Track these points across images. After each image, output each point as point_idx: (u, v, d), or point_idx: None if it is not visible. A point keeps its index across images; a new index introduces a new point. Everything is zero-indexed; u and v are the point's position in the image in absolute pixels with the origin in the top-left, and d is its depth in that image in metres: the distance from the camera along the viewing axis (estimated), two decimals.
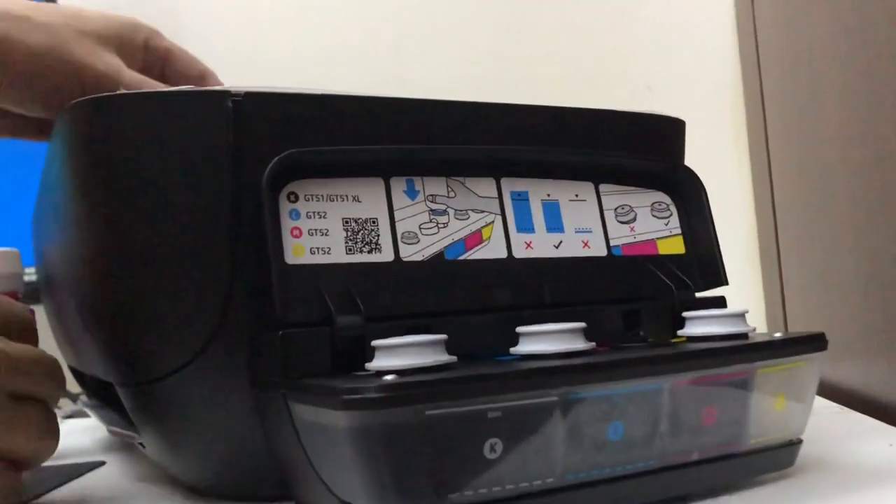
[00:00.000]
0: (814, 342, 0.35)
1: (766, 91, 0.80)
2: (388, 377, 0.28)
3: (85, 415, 0.75)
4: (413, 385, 0.27)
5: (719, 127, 0.90)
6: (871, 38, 0.52)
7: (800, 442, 0.35)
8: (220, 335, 0.34)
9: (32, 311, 0.56)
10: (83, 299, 0.38)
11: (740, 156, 0.89)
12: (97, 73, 0.43)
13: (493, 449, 0.28)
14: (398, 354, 0.29)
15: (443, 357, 0.30)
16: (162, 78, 0.49)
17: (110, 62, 0.44)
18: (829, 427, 0.45)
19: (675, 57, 0.92)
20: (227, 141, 0.34)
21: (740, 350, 0.34)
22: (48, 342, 0.58)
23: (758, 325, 0.85)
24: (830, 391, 0.58)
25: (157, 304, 0.34)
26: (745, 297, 0.86)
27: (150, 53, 0.48)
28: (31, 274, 0.60)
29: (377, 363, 0.30)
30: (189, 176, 0.34)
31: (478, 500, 0.28)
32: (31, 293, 0.59)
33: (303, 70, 0.96)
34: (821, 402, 0.55)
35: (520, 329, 0.33)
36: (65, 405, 0.83)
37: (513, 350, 0.33)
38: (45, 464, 0.51)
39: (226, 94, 0.34)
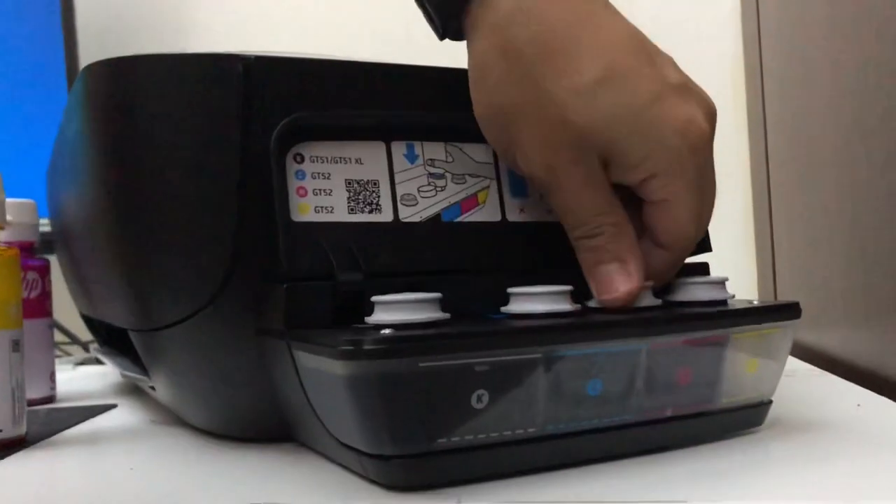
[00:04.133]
0: (788, 311, 0.37)
1: (766, 68, 0.81)
2: (386, 331, 0.30)
3: (95, 362, 0.78)
4: (408, 339, 0.29)
5: (719, 100, 0.91)
6: (864, 14, 0.53)
7: (770, 402, 0.38)
8: (228, 286, 0.36)
9: (47, 261, 0.59)
10: (101, 251, 0.40)
11: (739, 133, 0.90)
12: None
13: (479, 399, 0.30)
14: (395, 310, 0.32)
15: (437, 314, 0.32)
16: None
17: None
18: (805, 389, 0.47)
19: (678, 28, 0.92)
20: (237, 103, 0.35)
21: (717, 316, 0.35)
22: (62, 291, 0.61)
23: (750, 291, 0.87)
24: (812, 355, 0.61)
25: (170, 256, 0.36)
26: (739, 266, 0.88)
27: None
28: (45, 225, 0.62)
29: (375, 317, 0.32)
30: (201, 135, 0.36)
31: (464, 446, 0.30)
32: (45, 243, 0.61)
33: (308, 37, 0.97)
34: (801, 366, 0.57)
35: (510, 290, 0.35)
36: (76, 352, 0.85)
37: (503, 309, 0.35)
38: (59, 406, 0.54)
39: (236, 58, 0.36)
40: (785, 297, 0.77)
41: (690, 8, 0.92)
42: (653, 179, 0.35)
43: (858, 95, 0.55)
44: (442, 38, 0.37)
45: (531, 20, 0.34)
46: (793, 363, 0.38)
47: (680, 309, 0.36)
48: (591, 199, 0.35)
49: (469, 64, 0.36)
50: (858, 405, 0.42)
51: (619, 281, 0.35)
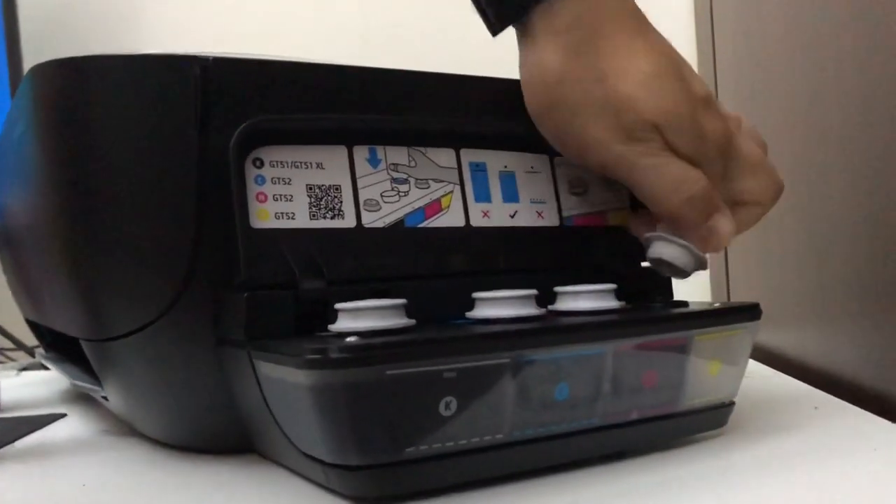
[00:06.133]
0: (749, 312, 0.37)
1: (719, 71, 0.82)
2: (351, 339, 0.29)
3: (40, 367, 0.75)
4: (374, 347, 0.29)
5: None
6: (821, 16, 0.54)
7: (732, 404, 0.38)
8: (185, 295, 0.35)
9: None
10: (51, 258, 0.38)
11: None
12: None
13: (448, 407, 0.29)
14: (360, 317, 0.31)
15: (402, 320, 0.32)
16: None
17: None
18: (763, 390, 0.48)
19: None
20: (195, 106, 0.34)
21: (679, 318, 0.36)
22: (4, 293, 0.59)
23: (703, 293, 0.88)
24: (767, 357, 0.62)
25: (123, 263, 0.35)
26: None
27: None
28: None
29: (340, 325, 0.31)
30: (155, 139, 0.35)
31: (432, 454, 0.30)
32: None
33: (260, 33, 0.96)
34: (757, 367, 0.58)
35: (475, 294, 0.34)
36: (21, 358, 0.83)
37: (469, 314, 0.34)
38: (6, 415, 0.52)
39: (194, 60, 0.35)
40: (739, 299, 0.78)
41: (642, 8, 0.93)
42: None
43: (813, 100, 0.56)
44: (495, 35, 0.39)
45: (587, 28, 0.37)
46: (748, 364, 0.39)
47: (644, 311, 0.36)
48: (680, 165, 0.37)
49: (525, 64, 0.38)
50: (816, 408, 0.42)
51: (726, 225, 0.38)
